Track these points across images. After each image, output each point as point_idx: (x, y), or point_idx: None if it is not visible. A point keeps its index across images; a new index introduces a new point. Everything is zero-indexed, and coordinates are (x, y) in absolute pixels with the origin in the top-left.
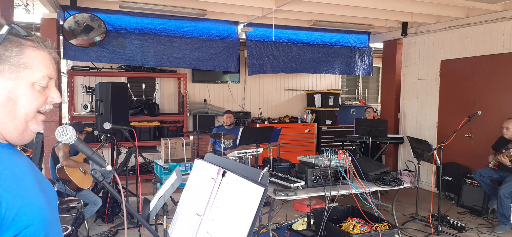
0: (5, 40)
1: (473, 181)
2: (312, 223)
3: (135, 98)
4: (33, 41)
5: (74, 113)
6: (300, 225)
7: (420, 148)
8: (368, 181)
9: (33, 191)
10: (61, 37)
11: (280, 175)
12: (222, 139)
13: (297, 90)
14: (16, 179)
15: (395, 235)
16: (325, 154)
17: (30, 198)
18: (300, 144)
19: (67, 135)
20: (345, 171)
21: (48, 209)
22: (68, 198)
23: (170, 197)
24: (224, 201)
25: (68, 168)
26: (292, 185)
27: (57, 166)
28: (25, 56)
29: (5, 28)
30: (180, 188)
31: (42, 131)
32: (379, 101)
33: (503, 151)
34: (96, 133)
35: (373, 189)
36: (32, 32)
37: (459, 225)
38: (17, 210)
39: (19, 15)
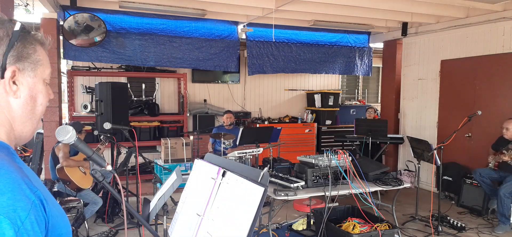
0: (21, 36)
1: (473, 181)
2: (312, 223)
3: (135, 98)
4: (39, 39)
5: (74, 113)
6: (300, 225)
7: (420, 148)
8: (368, 181)
9: (54, 199)
10: (61, 37)
11: (280, 175)
12: (222, 139)
13: (297, 90)
14: (43, 186)
15: (395, 235)
16: (325, 154)
17: (57, 206)
18: (300, 144)
19: (67, 135)
20: (345, 171)
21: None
22: (68, 198)
23: (170, 197)
24: (224, 201)
25: (68, 168)
26: (292, 185)
27: (57, 166)
28: (38, 54)
29: (18, 24)
30: (180, 188)
31: (42, 131)
32: (379, 101)
33: (504, 152)
34: (96, 133)
35: (373, 189)
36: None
37: (459, 225)
38: (55, 217)
39: (19, 15)
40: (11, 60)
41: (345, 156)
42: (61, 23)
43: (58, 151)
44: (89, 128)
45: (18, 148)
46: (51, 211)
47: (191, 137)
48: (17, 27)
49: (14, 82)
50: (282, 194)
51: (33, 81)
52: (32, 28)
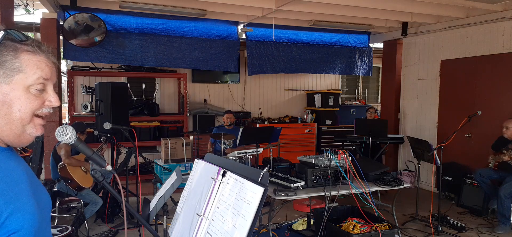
0: (1, 45)
1: (473, 181)
2: (312, 223)
3: (135, 98)
4: (29, 46)
5: (74, 113)
6: (300, 225)
7: (420, 148)
8: (368, 181)
9: (25, 196)
10: (61, 37)
11: (280, 175)
12: (222, 139)
13: (297, 90)
14: (10, 183)
15: (395, 235)
16: (325, 154)
17: (22, 202)
18: (300, 144)
19: (67, 135)
20: (345, 171)
21: (38, 215)
22: (69, 198)
23: (170, 197)
24: (224, 201)
25: (70, 166)
26: (292, 185)
27: (59, 164)
28: (20, 60)
29: (1, 34)
30: (180, 188)
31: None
32: (379, 101)
33: (504, 152)
34: (96, 133)
35: (373, 189)
36: (29, 35)
37: (459, 225)
38: (8, 214)
39: (19, 15)
40: None
41: (345, 156)
42: (61, 23)
43: (60, 149)
44: (92, 130)
45: (18, 148)
46: (4, 206)
47: (191, 137)
48: None
49: None
50: (282, 194)
51: (9, 88)
52: (31, 29)
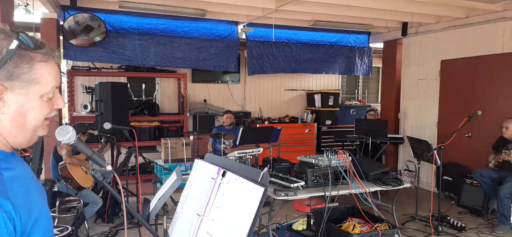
0: (15, 55)
1: (473, 181)
2: (312, 223)
3: (135, 98)
4: (43, 55)
5: (74, 113)
6: (300, 225)
7: (420, 148)
8: (368, 181)
9: (39, 200)
10: (61, 37)
11: (280, 175)
12: (222, 139)
13: (297, 90)
14: (27, 192)
15: (395, 235)
16: (325, 154)
17: (40, 209)
18: (300, 144)
19: (67, 135)
20: (345, 171)
21: (49, 216)
22: (69, 198)
23: (170, 197)
24: (224, 201)
25: (71, 166)
26: (292, 185)
27: (60, 163)
28: (35, 72)
29: (15, 43)
30: (180, 188)
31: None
32: (379, 101)
33: (505, 152)
34: (96, 133)
35: (373, 189)
36: (39, 40)
37: (459, 225)
38: (33, 223)
39: (19, 15)
40: (0, 78)
41: (345, 156)
42: (61, 23)
43: (61, 149)
44: (93, 130)
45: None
46: (29, 216)
47: (191, 137)
48: (12, 45)
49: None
50: (282, 194)
51: (25, 99)
52: (31, 29)
